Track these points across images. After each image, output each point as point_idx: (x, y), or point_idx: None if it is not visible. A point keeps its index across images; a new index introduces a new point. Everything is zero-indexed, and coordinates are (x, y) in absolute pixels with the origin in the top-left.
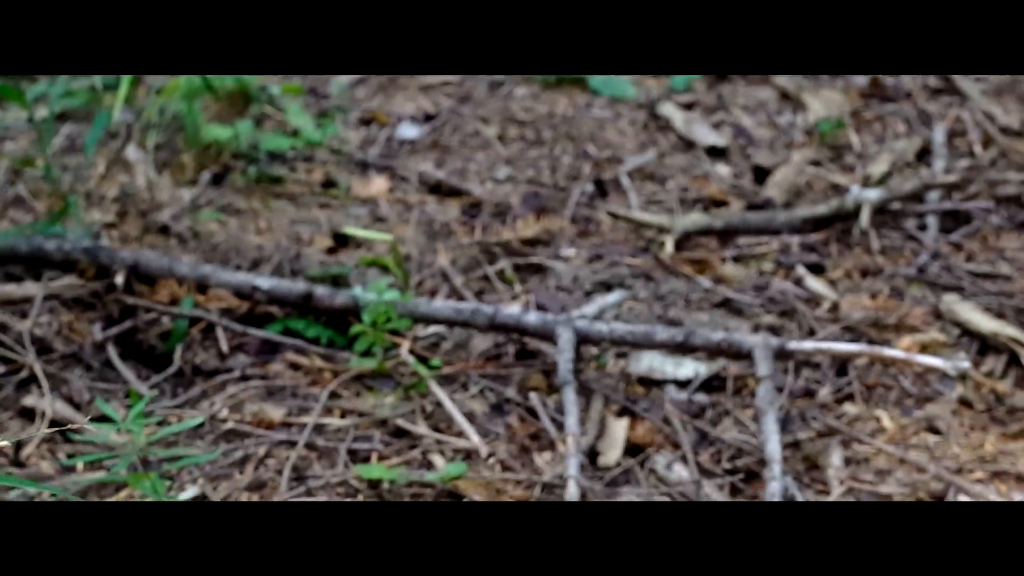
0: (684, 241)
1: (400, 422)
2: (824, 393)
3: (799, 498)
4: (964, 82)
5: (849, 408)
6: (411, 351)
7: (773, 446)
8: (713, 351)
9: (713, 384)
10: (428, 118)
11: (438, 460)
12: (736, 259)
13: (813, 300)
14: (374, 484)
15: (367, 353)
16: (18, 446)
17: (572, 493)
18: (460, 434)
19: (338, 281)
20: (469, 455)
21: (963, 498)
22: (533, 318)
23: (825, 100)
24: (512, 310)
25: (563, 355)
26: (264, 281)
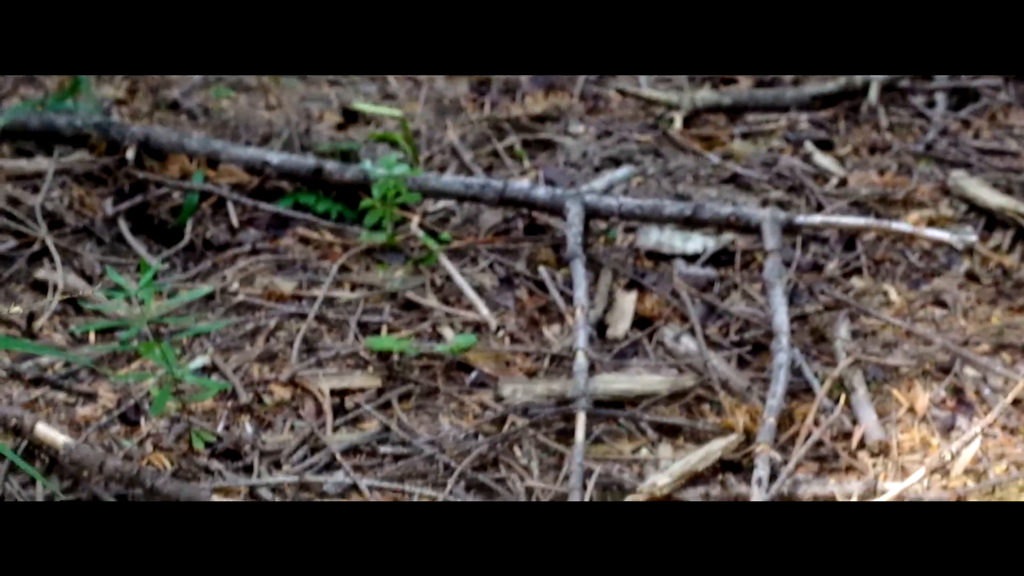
0: (693, 118)
1: (410, 295)
2: (832, 267)
3: (806, 370)
4: None
5: (856, 282)
6: (420, 225)
7: (781, 318)
8: (721, 225)
9: (721, 258)
10: None
11: (448, 332)
12: (744, 135)
13: (821, 176)
14: (384, 356)
15: (377, 227)
16: (30, 318)
17: (581, 364)
18: (469, 307)
19: (348, 157)
20: (478, 328)
21: (969, 370)
22: (542, 192)
23: None
24: (521, 185)
25: (572, 229)
26: (274, 156)
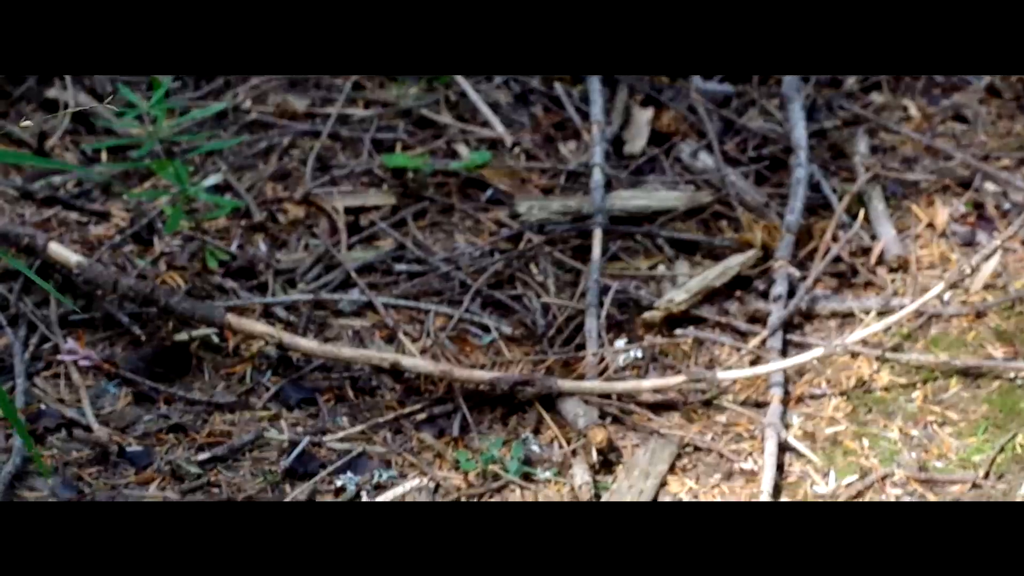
0: None
1: (424, 112)
2: (851, 82)
3: (824, 186)
4: None
5: (875, 96)
6: None
7: (799, 134)
8: None
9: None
10: None
11: (462, 149)
12: None
13: None
14: (398, 173)
15: None
16: (41, 137)
17: (597, 181)
18: (484, 124)
19: None
20: (494, 144)
21: (989, 185)
22: None
23: None
24: None
25: None
26: None
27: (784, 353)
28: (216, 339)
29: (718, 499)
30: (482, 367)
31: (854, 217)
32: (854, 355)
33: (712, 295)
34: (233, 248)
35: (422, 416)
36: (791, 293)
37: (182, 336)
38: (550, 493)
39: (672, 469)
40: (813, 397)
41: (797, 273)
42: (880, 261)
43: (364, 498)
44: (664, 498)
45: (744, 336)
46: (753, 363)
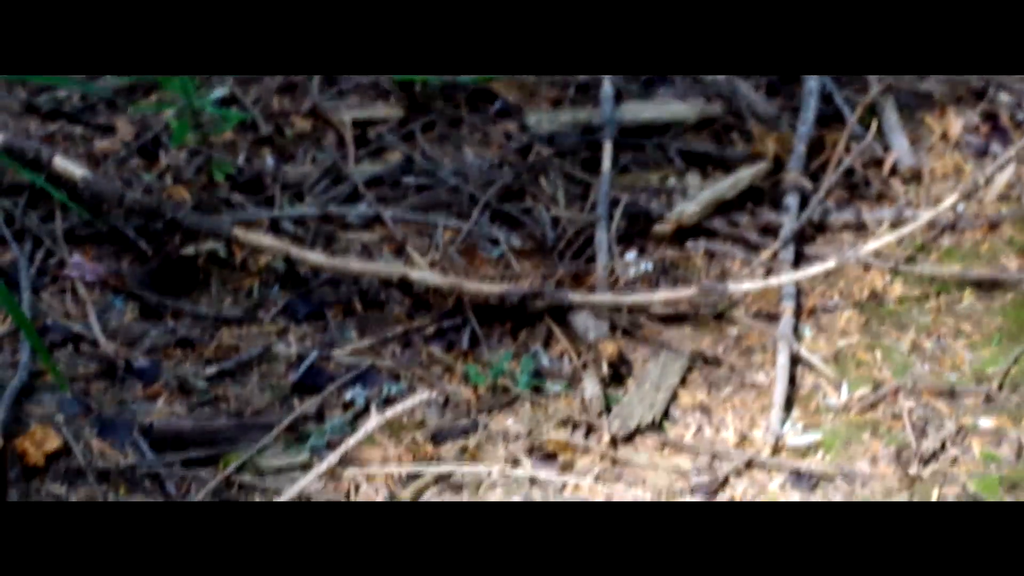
0: None
1: None
2: None
3: (836, 97)
4: None
5: None
6: None
7: None
8: None
9: None
10: None
11: None
12: None
13: None
14: (406, 86)
15: None
16: None
17: (607, 93)
18: None
19: None
20: None
21: (1003, 95)
22: None
23: None
24: None
25: None
26: None
27: (796, 265)
28: (223, 253)
29: (729, 412)
30: (491, 280)
31: (867, 128)
32: (867, 267)
33: (723, 207)
34: (240, 161)
35: (431, 330)
36: (803, 205)
37: (189, 250)
38: (560, 406)
39: (683, 382)
40: (825, 309)
41: (809, 185)
42: (893, 172)
43: (373, 411)
44: (673, 410)
45: (756, 248)
46: (765, 275)
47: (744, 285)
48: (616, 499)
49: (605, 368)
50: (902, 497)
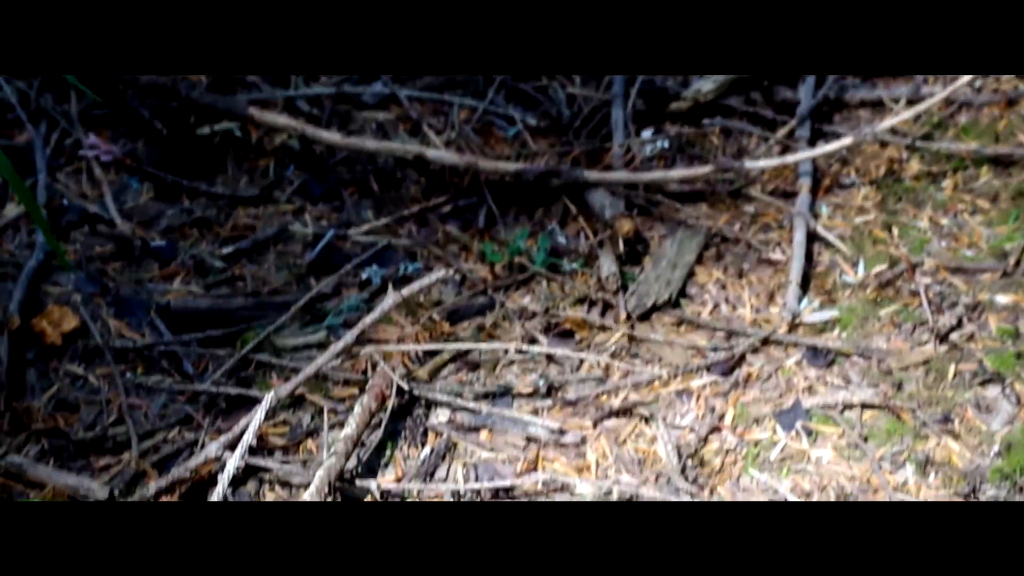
0: None
1: None
2: None
3: None
4: None
5: None
6: None
7: None
8: None
9: None
10: None
11: None
12: None
13: None
14: None
15: None
16: None
17: None
18: None
19: None
20: None
21: None
22: None
23: None
24: None
25: None
26: None
27: (813, 142)
28: (238, 133)
29: (746, 289)
30: (507, 158)
31: None
32: (883, 144)
33: (740, 85)
34: None
35: (447, 209)
36: (820, 82)
37: (204, 130)
38: (577, 284)
39: (700, 259)
40: (842, 186)
41: None
42: None
43: (389, 289)
44: (690, 288)
45: (772, 126)
46: (781, 153)
47: (760, 162)
48: (633, 376)
49: (621, 246)
50: (917, 374)
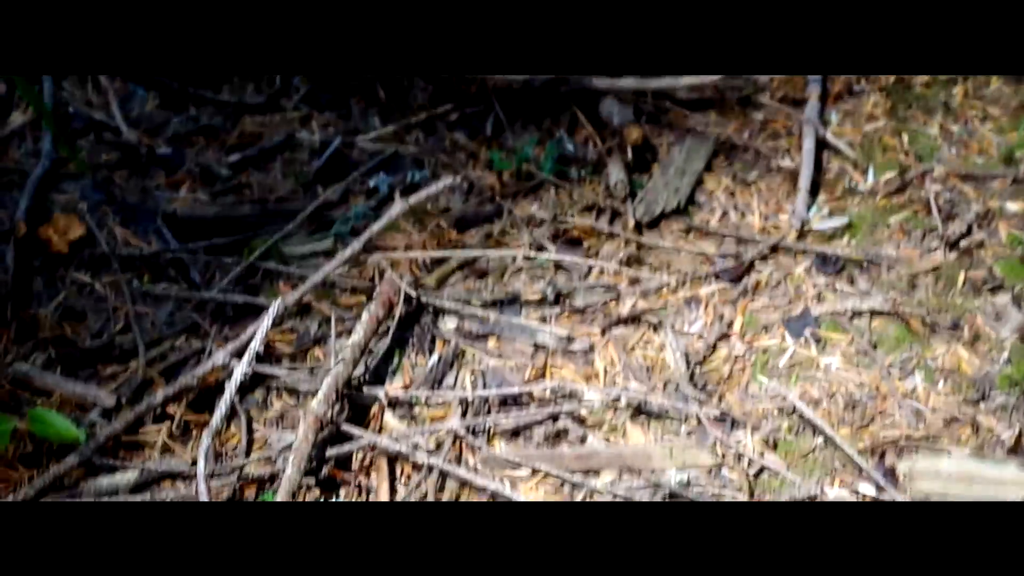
0: None
1: None
2: None
3: None
4: None
5: None
6: None
7: None
8: None
9: None
10: None
11: None
12: None
13: None
14: None
15: None
16: None
17: None
18: None
19: None
20: None
21: None
22: None
23: None
24: None
25: None
26: None
27: None
28: None
29: (755, 197)
30: None
31: None
32: None
33: None
34: None
35: (455, 116)
36: None
37: None
38: (585, 192)
39: (708, 167)
40: (852, 93)
41: None
42: None
43: (397, 197)
44: (698, 195)
45: None
46: None
47: None
48: (641, 283)
49: (630, 153)
50: (927, 281)
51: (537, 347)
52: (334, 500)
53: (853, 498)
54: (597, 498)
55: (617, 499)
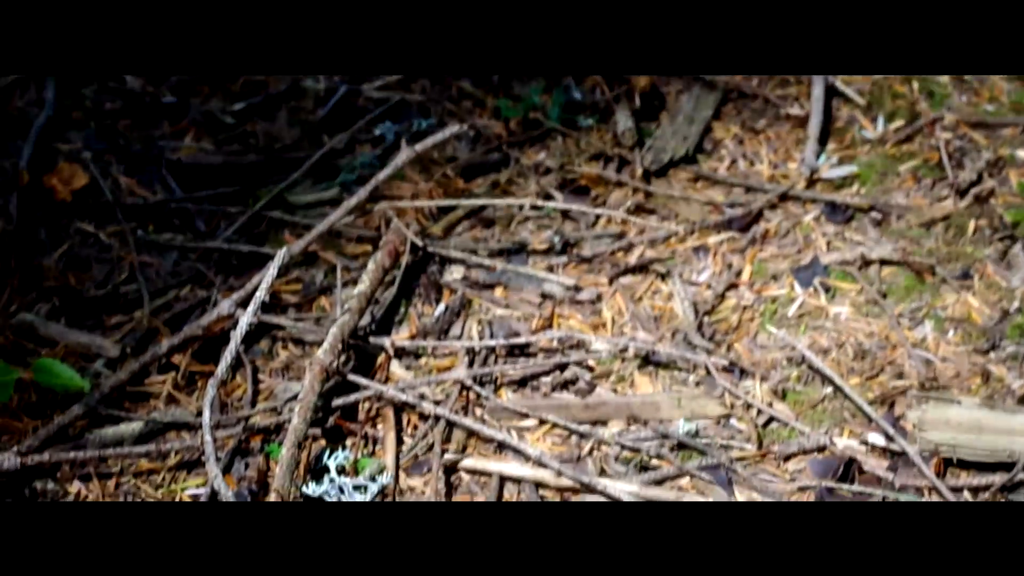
0: None
1: None
2: None
3: None
4: None
5: None
6: None
7: None
8: None
9: None
10: None
11: None
12: None
13: None
14: None
15: None
16: None
17: None
18: None
19: None
20: None
21: None
22: None
23: None
24: None
25: None
26: None
27: None
28: None
29: (764, 145)
30: None
31: None
32: None
33: None
34: None
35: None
36: None
37: None
38: (592, 140)
39: (717, 114)
40: None
41: None
42: None
43: (403, 145)
44: (707, 143)
45: None
46: None
47: None
48: (649, 232)
49: (638, 101)
50: (937, 230)
51: (544, 296)
52: (333, 500)
53: (862, 449)
54: (604, 449)
55: (626, 449)
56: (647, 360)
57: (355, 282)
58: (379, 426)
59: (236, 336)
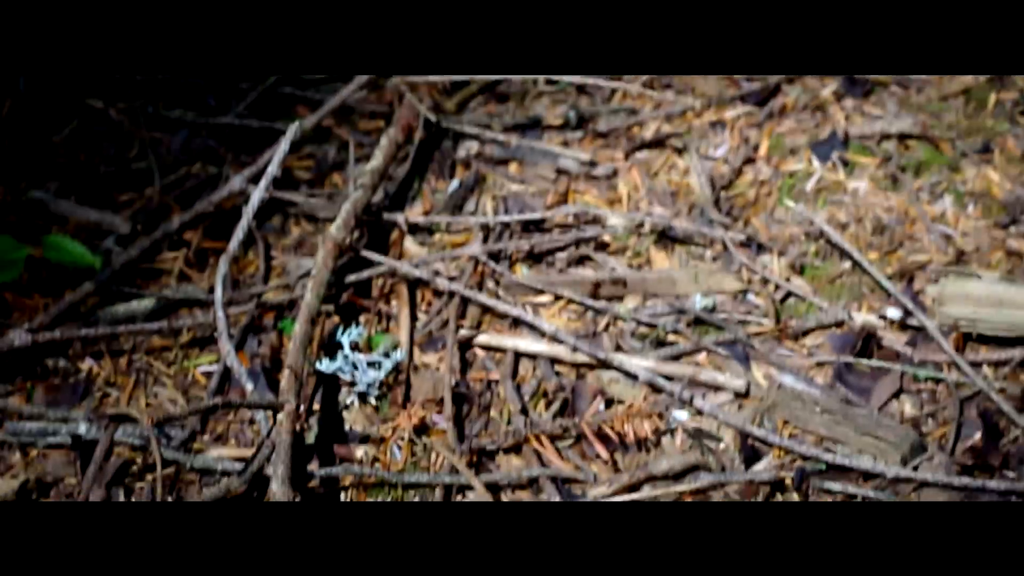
0: None
1: None
2: None
3: None
4: None
5: None
6: None
7: None
8: None
9: None
10: None
11: None
12: None
13: None
14: None
15: None
16: None
17: None
18: None
19: None
20: None
21: None
22: None
23: None
24: None
25: None
26: None
27: None
28: None
29: None
30: None
31: None
32: None
33: None
34: None
35: None
36: None
37: None
38: None
39: None
40: None
41: None
42: None
43: None
44: None
45: None
46: None
47: None
48: (665, 107)
49: None
50: (957, 103)
51: (559, 172)
52: (333, 501)
53: (881, 323)
54: (620, 325)
55: (642, 325)
56: (663, 235)
57: (368, 158)
58: (393, 302)
59: (248, 212)
